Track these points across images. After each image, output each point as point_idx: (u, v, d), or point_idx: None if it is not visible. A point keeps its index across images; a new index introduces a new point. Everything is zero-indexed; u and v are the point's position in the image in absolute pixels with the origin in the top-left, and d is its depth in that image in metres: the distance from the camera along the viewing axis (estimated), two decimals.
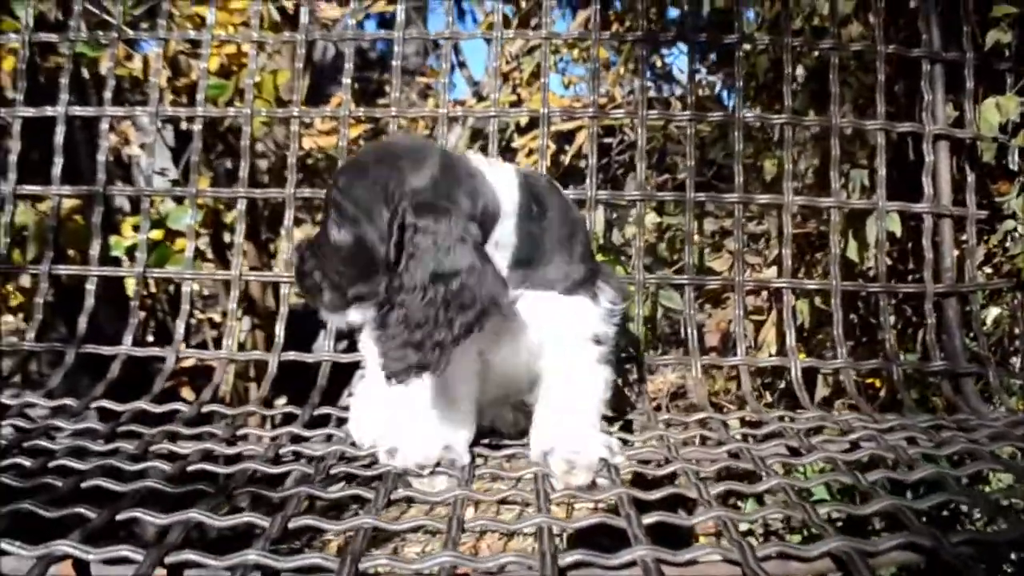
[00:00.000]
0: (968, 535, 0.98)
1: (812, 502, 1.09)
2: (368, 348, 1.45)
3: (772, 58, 2.10)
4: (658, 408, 1.75)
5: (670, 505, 1.19)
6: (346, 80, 1.81)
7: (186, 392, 2.71)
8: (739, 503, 2.03)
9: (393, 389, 1.33)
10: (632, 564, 0.94)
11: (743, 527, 2.13)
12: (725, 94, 2.86)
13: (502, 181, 1.24)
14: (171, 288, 2.89)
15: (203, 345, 3.09)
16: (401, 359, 1.14)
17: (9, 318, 2.73)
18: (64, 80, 1.82)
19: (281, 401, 2.14)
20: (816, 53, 2.08)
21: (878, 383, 2.25)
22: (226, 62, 2.18)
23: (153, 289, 2.82)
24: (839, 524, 1.70)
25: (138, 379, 1.87)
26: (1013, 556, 1.71)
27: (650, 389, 2.54)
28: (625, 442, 1.36)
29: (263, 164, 3.00)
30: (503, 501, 1.34)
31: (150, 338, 2.93)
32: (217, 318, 3.52)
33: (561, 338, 1.29)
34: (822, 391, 2.24)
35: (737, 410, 1.75)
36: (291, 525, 1.06)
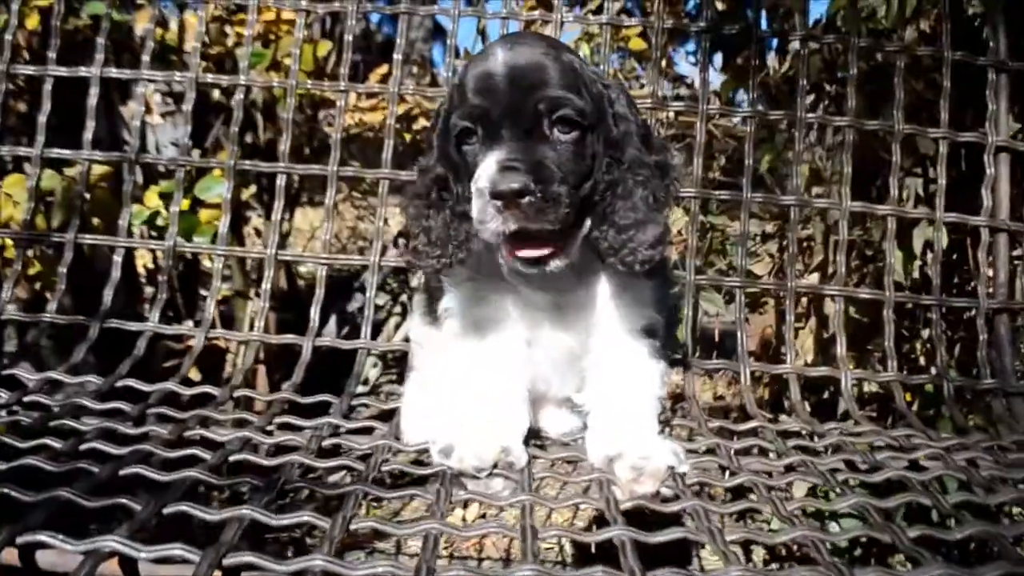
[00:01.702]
0: None
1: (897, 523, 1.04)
2: (422, 338, 1.39)
3: (825, 60, 2.05)
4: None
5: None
6: (397, 56, 1.72)
7: (193, 373, 2.64)
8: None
9: (447, 383, 1.29)
10: None
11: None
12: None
13: None
14: (180, 265, 2.80)
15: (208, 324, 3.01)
16: (654, 227, 1.15)
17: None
18: (101, 40, 1.73)
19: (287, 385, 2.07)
20: (867, 59, 2.03)
21: (908, 397, 2.21)
22: (262, 30, 2.09)
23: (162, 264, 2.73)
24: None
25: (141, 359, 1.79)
26: None
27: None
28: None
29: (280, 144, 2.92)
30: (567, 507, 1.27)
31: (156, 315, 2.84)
32: (219, 296, 3.44)
33: (609, 327, 1.24)
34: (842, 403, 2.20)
35: (778, 419, 1.70)
36: (352, 527, 1.00)
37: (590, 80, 1.16)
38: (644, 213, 1.14)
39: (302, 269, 4.66)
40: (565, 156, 1.09)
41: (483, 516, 2.74)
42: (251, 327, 2.09)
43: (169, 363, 2.72)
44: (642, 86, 2.94)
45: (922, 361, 2.27)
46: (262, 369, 2.70)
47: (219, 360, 2.71)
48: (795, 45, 1.85)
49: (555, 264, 1.10)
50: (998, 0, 1.80)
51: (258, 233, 2.89)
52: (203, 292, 3.31)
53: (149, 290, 1.69)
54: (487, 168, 1.06)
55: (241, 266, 2.58)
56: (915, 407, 2.14)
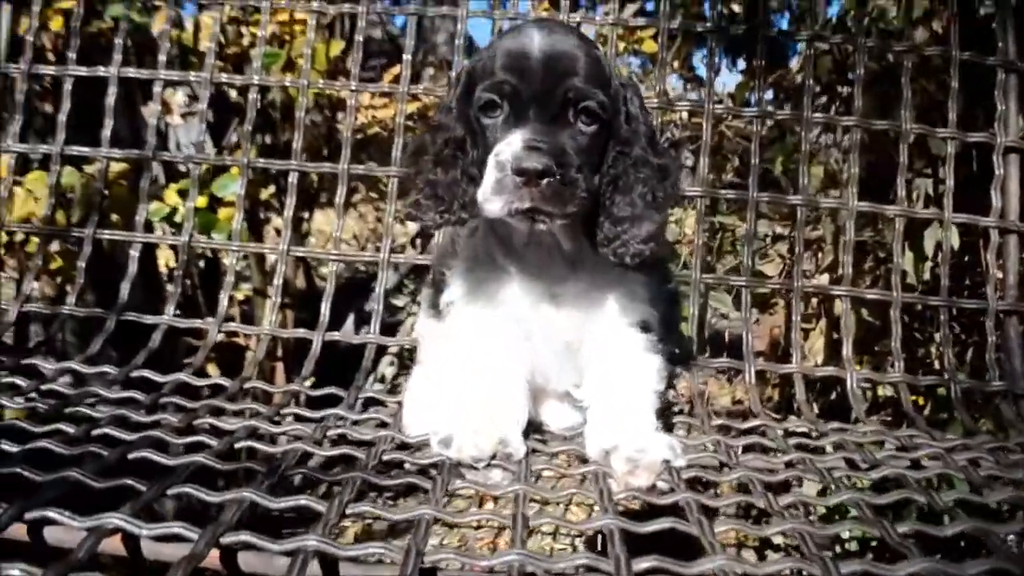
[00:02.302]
0: None
1: (890, 520, 1.04)
2: (426, 331, 1.41)
3: (836, 59, 2.05)
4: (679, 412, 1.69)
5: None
6: (407, 56, 1.76)
7: (212, 369, 2.68)
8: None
9: (448, 375, 1.31)
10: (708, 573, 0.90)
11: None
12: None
13: None
14: (201, 263, 2.85)
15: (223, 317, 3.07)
16: (649, 224, 1.18)
17: (33, 284, 2.70)
18: (119, 40, 1.78)
19: (307, 383, 2.10)
20: (877, 60, 2.03)
21: (920, 400, 2.20)
22: (277, 31, 2.14)
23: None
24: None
25: (161, 355, 1.83)
26: None
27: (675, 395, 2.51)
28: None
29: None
30: (559, 501, 1.29)
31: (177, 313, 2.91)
32: (241, 296, 3.50)
33: (604, 320, 1.26)
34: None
35: (786, 419, 1.70)
36: (348, 511, 1.02)
37: (612, 77, 1.19)
38: (641, 209, 1.17)
39: (323, 271, 4.72)
40: (584, 146, 1.14)
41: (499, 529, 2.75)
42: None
43: (190, 360, 2.78)
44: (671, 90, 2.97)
45: (936, 365, 2.26)
46: (280, 367, 2.74)
47: (239, 358, 2.76)
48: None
49: (544, 224, 1.13)
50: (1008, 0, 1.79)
51: (278, 233, 2.94)
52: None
53: (171, 289, 1.73)
54: (512, 144, 1.09)
55: (260, 266, 2.63)
56: (927, 411, 2.14)
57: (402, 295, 3.24)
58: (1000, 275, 1.76)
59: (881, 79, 2.06)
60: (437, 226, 1.24)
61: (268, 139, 2.75)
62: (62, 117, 1.77)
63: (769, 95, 2.86)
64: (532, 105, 1.11)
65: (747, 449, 1.36)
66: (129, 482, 1.05)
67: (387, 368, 2.64)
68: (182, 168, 2.38)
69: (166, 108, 2.38)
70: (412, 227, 3.14)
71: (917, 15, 1.97)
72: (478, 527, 2.36)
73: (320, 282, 3.60)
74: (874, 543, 1.99)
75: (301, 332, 1.68)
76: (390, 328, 2.35)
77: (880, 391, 2.29)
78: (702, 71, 3.30)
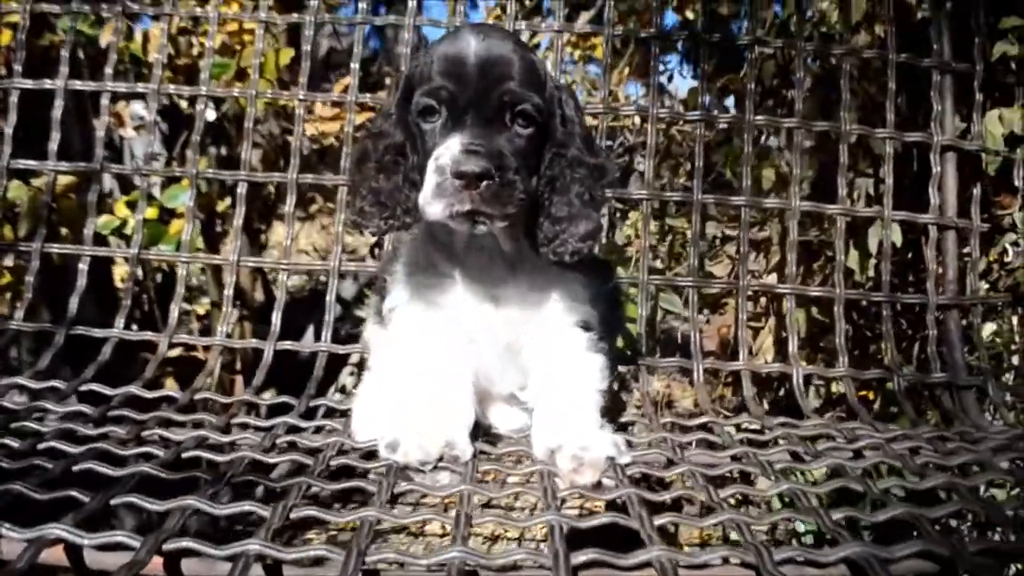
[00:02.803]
0: (986, 544, 0.97)
1: (826, 508, 1.07)
2: (374, 338, 1.42)
3: (780, 63, 2.09)
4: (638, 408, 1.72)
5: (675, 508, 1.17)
6: (354, 64, 1.77)
7: (170, 384, 2.66)
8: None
9: (393, 380, 1.32)
10: (646, 565, 0.92)
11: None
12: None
13: None
14: (159, 277, 2.83)
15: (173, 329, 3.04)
16: (587, 223, 1.20)
17: None
18: (65, 52, 1.77)
19: (267, 395, 2.10)
20: (821, 62, 2.08)
21: (871, 395, 2.25)
22: (228, 41, 2.14)
23: (140, 276, 2.77)
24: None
25: (119, 371, 1.82)
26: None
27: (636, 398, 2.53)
28: (629, 443, 1.33)
29: (255, 155, 2.96)
30: (510, 507, 1.30)
31: (134, 327, 2.88)
32: (201, 311, 3.47)
33: (546, 321, 1.28)
34: (813, 402, 2.23)
35: (737, 416, 1.73)
36: (293, 515, 1.03)
37: (547, 80, 1.21)
38: (578, 208, 1.20)
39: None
40: (521, 148, 1.16)
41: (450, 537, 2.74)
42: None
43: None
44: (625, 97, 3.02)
45: (885, 362, 2.31)
46: (239, 380, 2.73)
47: (198, 372, 2.74)
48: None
49: (484, 226, 1.14)
50: (942, 3, 1.84)
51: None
52: (184, 306, 3.35)
53: (123, 303, 1.72)
54: (451, 148, 1.10)
55: (218, 279, 2.62)
56: (877, 405, 2.18)
57: (363, 306, 3.23)
58: (940, 270, 1.81)
59: (824, 82, 2.11)
60: (382, 232, 1.26)
61: (224, 151, 2.75)
62: (8, 130, 1.75)
63: (730, 102, 2.92)
64: (469, 109, 1.13)
65: (695, 445, 1.39)
66: (73, 493, 1.05)
67: (347, 379, 2.64)
68: (136, 182, 2.38)
69: (119, 121, 2.37)
70: (371, 237, 3.14)
71: (857, 19, 2.02)
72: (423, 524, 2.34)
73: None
74: (829, 536, 2.03)
75: (254, 342, 1.69)
76: (354, 340, 2.34)
77: (833, 388, 2.34)
78: (660, 79, 3.36)
